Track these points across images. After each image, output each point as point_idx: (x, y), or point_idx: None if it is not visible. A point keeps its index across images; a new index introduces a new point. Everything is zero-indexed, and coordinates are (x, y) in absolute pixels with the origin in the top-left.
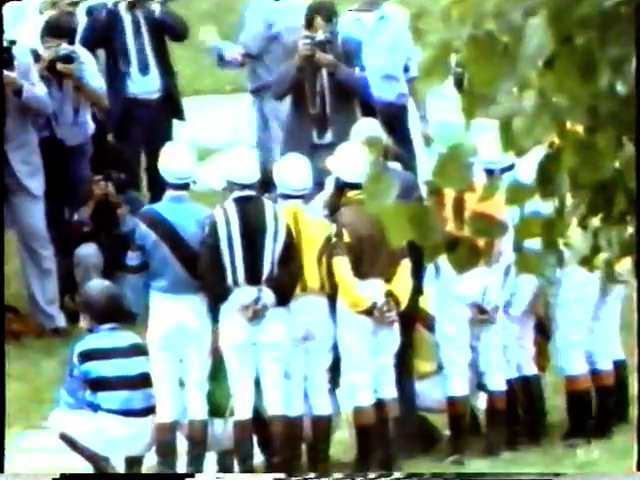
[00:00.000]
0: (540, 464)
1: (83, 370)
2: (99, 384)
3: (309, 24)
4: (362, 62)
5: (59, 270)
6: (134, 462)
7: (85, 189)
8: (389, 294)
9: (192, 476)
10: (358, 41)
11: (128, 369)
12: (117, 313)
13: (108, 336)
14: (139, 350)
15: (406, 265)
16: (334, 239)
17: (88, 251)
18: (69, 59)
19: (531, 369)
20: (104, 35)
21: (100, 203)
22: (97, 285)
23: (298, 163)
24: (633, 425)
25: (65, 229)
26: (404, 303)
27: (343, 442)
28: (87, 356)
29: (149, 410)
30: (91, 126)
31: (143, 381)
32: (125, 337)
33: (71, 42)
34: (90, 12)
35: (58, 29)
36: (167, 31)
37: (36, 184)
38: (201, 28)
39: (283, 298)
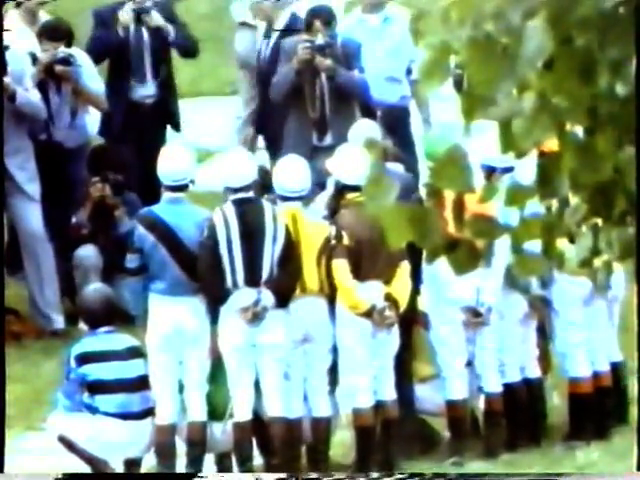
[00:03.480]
0: (540, 465)
1: (80, 373)
2: (97, 387)
3: (308, 28)
4: (361, 64)
5: (58, 272)
6: (132, 464)
7: (82, 191)
8: (388, 296)
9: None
10: (358, 43)
11: (126, 372)
12: (113, 316)
13: (105, 339)
14: (136, 352)
15: (405, 267)
16: (333, 241)
17: (87, 253)
18: (66, 62)
19: (534, 371)
20: (110, 47)
21: (97, 205)
22: (92, 289)
23: (296, 165)
24: (633, 426)
25: (64, 231)
26: (403, 305)
27: (342, 443)
28: (84, 359)
29: (147, 412)
30: (90, 128)
31: (141, 383)
32: (122, 340)
33: (68, 45)
34: (97, 20)
35: (55, 32)
36: (178, 50)
37: (34, 188)
38: None
39: (282, 300)
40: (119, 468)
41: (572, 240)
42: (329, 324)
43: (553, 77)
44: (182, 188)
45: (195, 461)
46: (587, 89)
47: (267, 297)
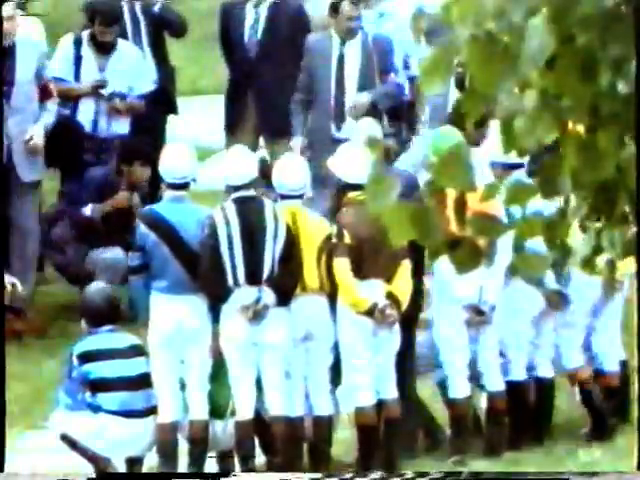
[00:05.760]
0: (542, 464)
1: (82, 372)
2: (99, 385)
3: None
4: (394, 62)
5: (76, 265)
6: (135, 462)
7: (105, 189)
8: (389, 295)
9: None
10: (389, 39)
11: (128, 370)
12: (114, 314)
13: (107, 337)
14: (138, 351)
15: (406, 266)
16: (334, 240)
17: (111, 255)
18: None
19: (546, 371)
20: None
21: (120, 211)
22: (93, 288)
23: (294, 163)
24: (634, 425)
25: (75, 218)
26: (404, 304)
27: (344, 442)
28: (86, 358)
29: (150, 411)
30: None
31: (143, 382)
32: (124, 338)
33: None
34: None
35: (107, 15)
36: (166, 27)
37: (32, 178)
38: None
39: (283, 298)
40: (121, 466)
41: (584, 230)
42: (330, 322)
43: (555, 75)
44: (184, 186)
45: (197, 459)
46: (588, 87)
47: (268, 295)
